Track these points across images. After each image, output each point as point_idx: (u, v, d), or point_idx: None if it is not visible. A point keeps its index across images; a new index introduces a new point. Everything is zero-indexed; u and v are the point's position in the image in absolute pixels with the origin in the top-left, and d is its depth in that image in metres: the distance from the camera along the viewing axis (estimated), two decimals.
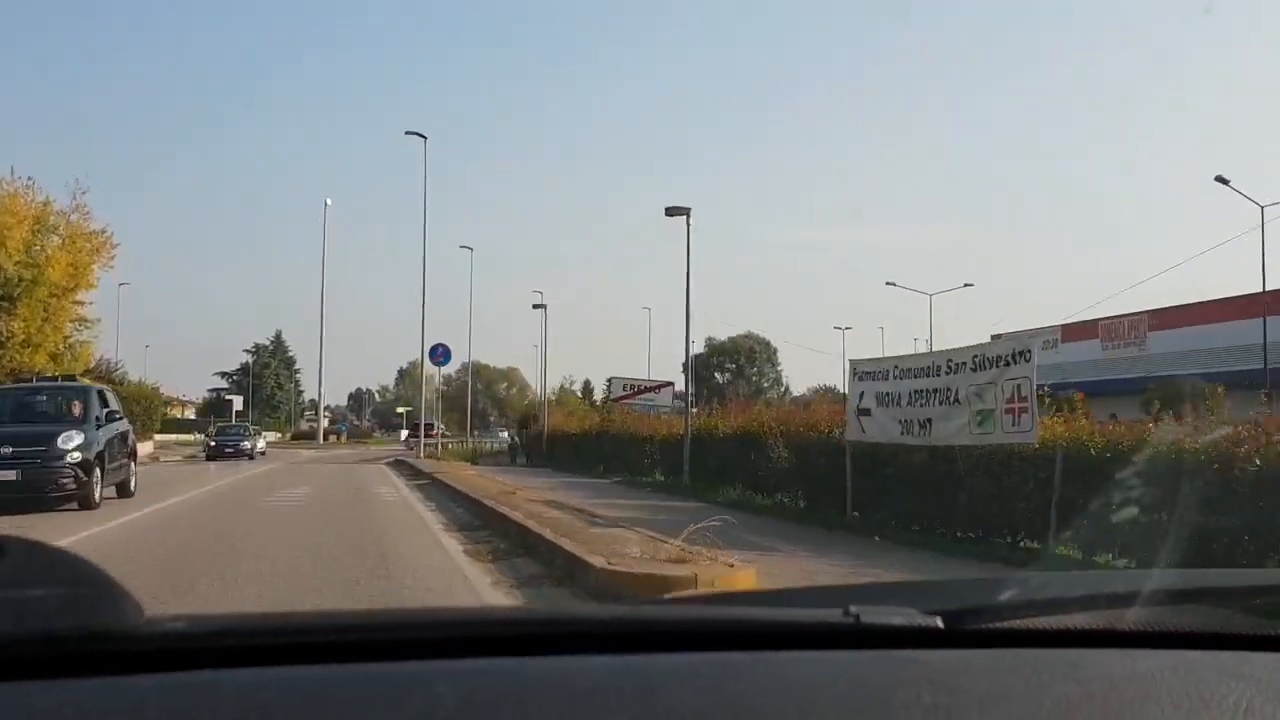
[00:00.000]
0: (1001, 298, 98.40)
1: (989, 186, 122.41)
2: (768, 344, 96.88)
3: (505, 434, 62.37)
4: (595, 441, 29.71)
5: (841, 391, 19.25)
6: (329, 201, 76.86)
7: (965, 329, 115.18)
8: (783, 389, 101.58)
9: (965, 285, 57.32)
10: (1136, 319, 38.69)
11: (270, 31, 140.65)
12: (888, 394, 12.35)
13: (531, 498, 14.71)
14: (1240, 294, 33.20)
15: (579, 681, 0.95)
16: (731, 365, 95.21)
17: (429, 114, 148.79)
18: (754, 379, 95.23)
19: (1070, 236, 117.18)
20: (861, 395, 12.90)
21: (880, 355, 15.15)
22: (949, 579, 4.41)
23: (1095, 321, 40.37)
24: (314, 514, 14.37)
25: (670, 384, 34.62)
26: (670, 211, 21.98)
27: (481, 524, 12.83)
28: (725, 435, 19.50)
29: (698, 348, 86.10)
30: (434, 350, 38.04)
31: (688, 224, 21.60)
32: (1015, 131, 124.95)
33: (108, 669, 0.91)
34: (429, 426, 62.89)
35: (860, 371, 13.16)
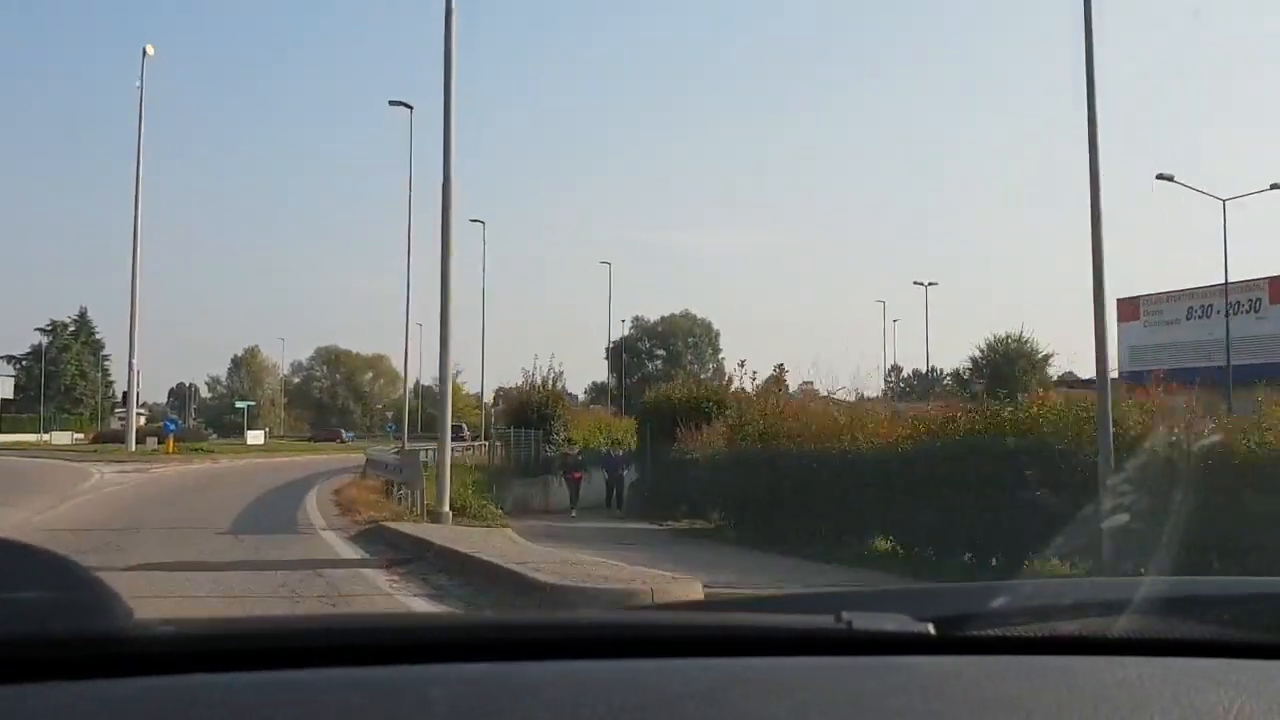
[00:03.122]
0: None
1: None
2: (709, 326, 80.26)
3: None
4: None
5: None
6: (149, 49, 49.20)
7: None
8: (726, 379, 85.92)
9: (1273, 187, 35.07)
10: None
11: None
12: None
13: None
14: None
15: (572, 686, 0.95)
16: (663, 350, 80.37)
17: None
18: (690, 366, 75.76)
19: None
20: None
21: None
22: (941, 586, 4.41)
23: None
24: None
25: None
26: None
27: None
28: None
29: (626, 329, 72.54)
30: None
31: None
32: None
33: (99, 672, 0.91)
34: (456, 429, 53.79)
35: None
